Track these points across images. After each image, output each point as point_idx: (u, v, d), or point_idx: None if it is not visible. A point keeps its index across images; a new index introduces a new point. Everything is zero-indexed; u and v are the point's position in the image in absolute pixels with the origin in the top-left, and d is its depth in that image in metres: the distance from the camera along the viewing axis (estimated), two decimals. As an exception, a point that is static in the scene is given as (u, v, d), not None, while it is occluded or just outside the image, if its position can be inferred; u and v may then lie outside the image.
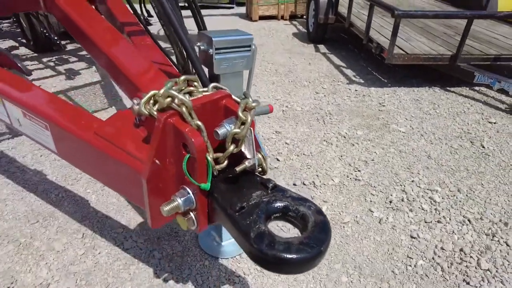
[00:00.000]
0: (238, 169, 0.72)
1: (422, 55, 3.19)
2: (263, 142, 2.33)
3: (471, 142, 2.38)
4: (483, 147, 2.32)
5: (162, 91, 0.70)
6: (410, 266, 1.41)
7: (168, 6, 0.88)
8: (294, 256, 0.58)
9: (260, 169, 0.76)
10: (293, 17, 6.68)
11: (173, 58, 1.44)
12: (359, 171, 2.01)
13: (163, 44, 1.69)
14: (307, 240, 0.60)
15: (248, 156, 0.73)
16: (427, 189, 1.87)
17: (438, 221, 1.65)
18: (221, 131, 0.70)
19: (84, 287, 1.31)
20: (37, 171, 2.04)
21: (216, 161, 0.72)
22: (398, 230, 1.59)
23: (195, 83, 0.78)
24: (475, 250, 1.48)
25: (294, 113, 2.77)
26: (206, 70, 1.06)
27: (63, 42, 4.61)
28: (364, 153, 2.20)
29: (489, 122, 2.67)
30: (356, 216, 1.67)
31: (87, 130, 0.83)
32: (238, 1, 8.05)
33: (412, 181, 1.94)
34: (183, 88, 0.75)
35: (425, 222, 1.64)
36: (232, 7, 7.95)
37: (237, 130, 0.69)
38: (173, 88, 0.72)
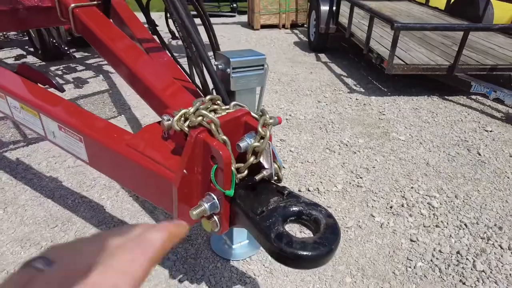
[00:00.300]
0: (257, 178, 0.81)
1: (420, 66, 3.30)
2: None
3: (468, 150, 2.48)
4: (479, 154, 2.42)
5: (192, 110, 0.80)
6: (410, 267, 1.49)
7: (193, 30, 0.98)
8: (309, 253, 0.67)
9: (276, 177, 0.86)
10: (294, 25, 6.82)
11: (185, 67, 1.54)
12: (361, 178, 2.10)
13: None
14: (320, 240, 0.70)
15: (266, 166, 0.83)
16: (426, 195, 1.97)
17: (436, 226, 1.74)
18: (243, 144, 0.80)
19: (104, 287, 1.39)
20: (52, 177, 2.14)
21: (238, 170, 0.81)
22: (399, 234, 1.68)
23: (218, 102, 0.88)
24: (471, 252, 1.57)
25: (297, 121, 2.88)
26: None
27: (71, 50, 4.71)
28: (365, 160, 2.30)
29: (485, 130, 2.77)
30: (359, 221, 1.76)
31: (119, 143, 0.92)
32: (240, 9, 8.20)
33: (412, 187, 2.04)
34: (209, 106, 0.85)
35: (424, 227, 1.73)
36: (234, 16, 8.10)
37: (257, 143, 0.79)
38: (202, 107, 0.82)
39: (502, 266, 1.50)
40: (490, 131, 2.76)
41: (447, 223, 1.76)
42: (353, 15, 4.10)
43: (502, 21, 5.84)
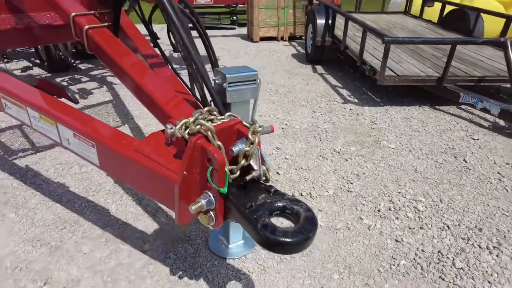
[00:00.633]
0: (248, 178, 0.94)
1: (411, 77, 3.45)
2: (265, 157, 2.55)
3: (454, 157, 2.61)
4: (466, 161, 2.54)
5: (192, 119, 0.93)
6: (394, 265, 1.61)
7: (192, 50, 1.12)
8: (290, 239, 0.80)
9: (264, 178, 0.98)
10: (292, 38, 7.02)
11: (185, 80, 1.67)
12: (351, 183, 2.23)
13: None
14: (299, 229, 0.82)
15: (255, 168, 0.96)
16: (412, 200, 2.09)
17: (421, 228, 1.85)
18: (235, 149, 0.93)
19: (110, 283, 1.51)
20: (60, 183, 2.26)
21: (231, 171, 0.94)
22: (385, 235, 1.80)
23: (215, 112, 1.02)
24: (452, 252, 1.68)
25: (293, 130, 3.01)
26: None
27: (76, 62, 4.88)
28: (356, 167, 2.42)
29: (473, 139, 2.90)
30: (348, 223, 1.88)
31: (128, 148, 1.05)
32: (240, 22, 8.42)
33: (399, 192, 2.16)
34: (206, 116, 0.98)
35: (409, 228, 1.85)
36: (234, 28, 8.31)
37: (247, 148, 0.92)
38: (200, 117, 0.95)
39: (479, 264, 1.61)
40: (477, 139, 2.88)
41: (431, 225, 1.87)
42: (347, 29, 4.27)
43: (492, 34, 6.03)
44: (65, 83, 4.44)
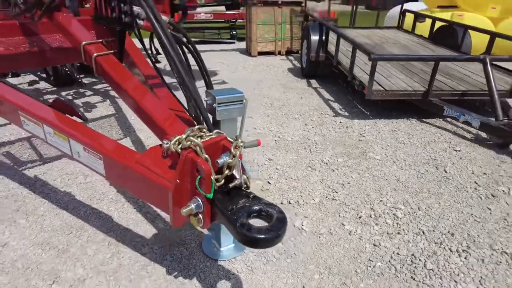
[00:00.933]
0: (231, 185, 1.12)
1: (398, 91, 3.65)
2: (258, 168, 2.73)
3: (436, 167, 2.78)
4: (446, 171, 2.71)
5: (184, 136, 1.11)
6: (370, 267, 1.76)
7: (186, 77, 1.31)
8: (263, 236, 0.97)
9: (245, 185, 1.16)
10: (289, 52, 7.27)
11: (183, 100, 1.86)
12: (336, 192, 2.40)
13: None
14: (271, 228, 1.00)
15: (237, 177, 1.13)
16: (392, 207, 2.25)
17: (398, 233, 2.02)
18: (220, 161, 1.11)
19: (112, 281, 1.67)
20: (66, 192, 2.44)
21: (216, 180, 1.12)
22: (364, 239, 1.96)
23: (204, 130, 1.20)
24: (424, 254, 1.84)
25: (285, 142, 3.19)
26: (211, 116, 1.48)
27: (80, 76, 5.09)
28: (342, 177, 2.59)
29: (455, 150, 3.07)
30: (331, 229, 2.04)
31: (130, 160, 1.23)
32: (239, 36, 8.70)
33: (381, 200, 2.32)
34: (197, 133, 1.16)
35: (387, 234, 2.01)
36: (233, 42, 8.59)
37: (230, 160, 1.10)
38: (191, 134, 1.13)
39: (448, 265, 1.76)
40: (459, 151, 3.06)
41: (408, 231, 2.03)
42: (339, 46, 4.49)
43: (480, 48, 6.26)
44: (70, 97, 4.66)
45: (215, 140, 1.14)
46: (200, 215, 1.13)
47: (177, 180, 1.10)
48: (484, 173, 2.68)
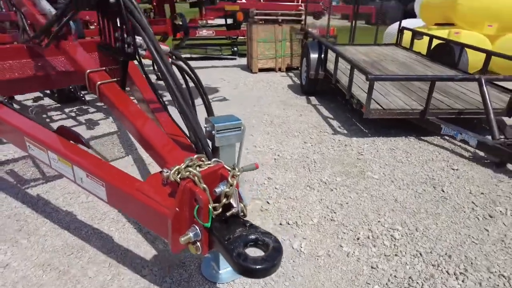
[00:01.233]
0: (228, 214, 1.16)
1: (396, 110, 3.70)
2: (257, 187, 2.76)
3: (433, 187, 2.80)
4: (443, 191, 2.73)
5: (183, 166, 1.16)
6: (368, 289, 1.78)
7: (185, 106, 1.37)
8: (259, 266, 1.00)
9: (242, 213, 1.20)
10: (289, 69, 7.37)
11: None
12: (334, 213, 2.42)
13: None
14: (267, 257, 1.03)
15: (234, 205, 1.17)
16: (390, 228, 2.27)
17: (396, 255, 2.03)
18: (217, 190, 1.15)
19: (112, 305, 1.69)
20: (68, 211, 2.47)
21: (214, 208, 1.15)
22: (362, 262, 1.98)
23: (203, 158, 1.25)
24: (421, 277, 1.86)
25: (284, 161, 3.23)
26: (210, 142, 1.53)
27: (82, 92, 5.17)
28: (340, 197, 2.62)
29: (452, 169, 3.10)
30: (329, 251, 2.06)
31: (131, 188, 1.28)
32: (240, 52, 8.84)
33: (379, 221, 2.34)
34: (195, 163, 1.21)
35: (385, 256, 2.03)
36: (235, 58, 8.72)
37: (227, 189, 1.14)
38: (190, 163, 1.18)
39: (445, 288, 1.78)
40: (456, 170, 3.09)
41: (405, 253, 2.05)
42: (338, 64, 4.57)
43: (477, 65, 6.35)
44: (73, 114, 4.73)
45: (213, 169, 1.19)
46: (198, 243, 1.16)
47: (177, 209, 1.14)
48: (482, 193, 2.70)
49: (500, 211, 2.46)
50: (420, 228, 2.27)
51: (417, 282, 1.82)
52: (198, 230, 1.14)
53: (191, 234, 1.13)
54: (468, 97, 4.14)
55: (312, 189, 2.73)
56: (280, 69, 7.29)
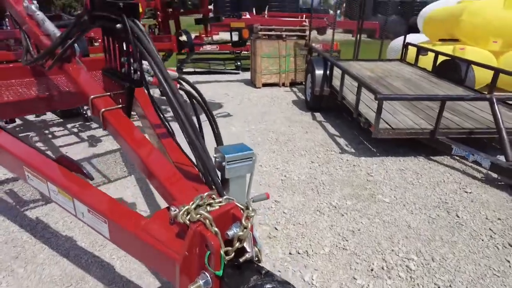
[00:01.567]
0: (241, 259, 1.06)
1: (405, 130, 3.62)
2: (265, 211, 2.66)
3: (447, 211, 2.70)
4: (458, 216, 2.63)
5: (193, 206, 1.07)
6: (386, 329, 1.66)
7: (194, 136, 1.29)
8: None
9: (256, 258, 1.10)
10: (293, 84, 7.34)
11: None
12: (346, 240, 2.31)
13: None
14: (285, 312, 0.93)
15: (248, 250, 1.08)
16: (405, 258, 2.16)
17: (413, 288, 1.92)
18: (230, 233, 1.06)
19: None
20: (68, 237, 2.37)
21: (226, 253, 1.06)
22: (377, 296, 1.87)
23: (213, 196, 1.16)
24: (442, 315, 1.74)
25: (291, 182, 3.14)
26: (219, 172, 1.44)
27: (85, 108, 5.12)
28: (352, 223, 2.52)
29: (465, 192, 3.00)
30: (342, 283, 1.95)
31: (136, 227, 1.18)
32: (244, 67, 8.84)
33: (392, 250, 2.23)
34: (206, 201, 1.12)
35: (402, 289, 1.92)
36: (238, 73, 8.72)
37: (241, 233, 1.05)
38: (200, 203, 1.09)
39: (469, 329, 1.66)
40: (470, 193, 2.98)
41: (422, 286, 1.94)
42: (344, 81, 4.52)
43: (483, 82, 6.31)
44: (75, 130, 4.68)
45: (225, 210, 1.10)
46: (208, 291, 1.06)
47: (186, 253, 1.05)
48: (499, 219, 2.59)
49: (520, 239, 2.35)
50: (436, 258, 2.16)
51: (438, 321, 1.70)
52: (209, 278, 1.04)
53: (201, 282, 1.04)
54: (477, 116, 4.06)
55: (322, 214, 2.63)
56: (284, 84, 7.26)
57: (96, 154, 3.80)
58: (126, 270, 2.05)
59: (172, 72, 1.54)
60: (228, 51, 8.93)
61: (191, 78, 8.07)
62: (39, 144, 4.17)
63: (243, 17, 6.87)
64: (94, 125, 4.79)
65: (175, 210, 1.12)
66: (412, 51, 6.82)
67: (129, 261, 2.12)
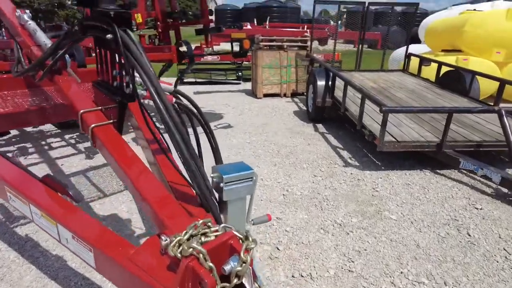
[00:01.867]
0: (240, 297, 0.94)
1: (411, 143, 3.50)
2: (266, 229, 2.53)
3: (458, 229, 2.56)
4: (469, 235, 2.49)
5: (185, 237, 0.95)
6: None
7: (188, 155, 1.18)
8: None
9: (257, 295, 0.98)
10: (294, 94, 7.26)
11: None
12: (352, 261, 2.18)
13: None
14: None
15: (247, 286, 0.96)
16: (415, 281, 2.02)
17: (425, 316, 1.78)
18: (227, 267, 0.94)
19: None
20: (58, 256, 2.24)
21: (223, 289, 0.94)
22: (388, 325, 1.73)
23: (209, 224, 1.04)
24: None
25: (294, 197, 3.01)
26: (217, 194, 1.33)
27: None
28: (357, 242, 2.39)
29: (475, 208, 2.87)
30: (349, 310, 1.81)
31: (123, 257, 1.07)
32: (245, 77, 8.79)
33: (401, 272, 2.10)
34: (200, 230, 1.00)
35: (413, 317, 1.78)
36: (239, 83, 8.66)
37: (239, 268, 0.93)
38: (194, 233, 0.97)
39: None
40: (480, 209, 2.85)
41: (436, 314, 1.80)
42: (346, 93, 4.43)
43: (488, 92, 6.22)
44: (73, 141, 4.58)
45: (222, 241, 0.98)
46: (202, 333, 0.94)
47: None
48: (512, 238, 2.46)
49: (536, 261, 2.22)
50: (449, 282, 2.02)
51: None
52: (203, 318, 0.92)
53: (194, 324, 0.91)
54: (484, 128, 3.95)
55: (327, 232, 2.50)
56: (285, 95, 7.18)
57: (92, 167, 3.69)
58: (117, 294, 1.91)
59: (167, 85, 1.44)
60: (230, 62, 8.90)
61: (193, 88, 8.02)
62: (34, 156, 4.08)
63: (244, 27, 6.82)
64: (91, 136, 4.69)
65: (166, 240, 1.00)
66: (414, 61, 6.76)
67: (121, 284, 1.98)
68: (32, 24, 1.93)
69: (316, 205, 2.87)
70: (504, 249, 2.34)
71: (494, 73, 6.21)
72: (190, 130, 1.63)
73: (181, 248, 0.95)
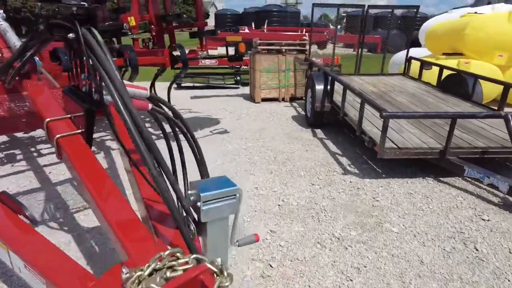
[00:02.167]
0: None
1: (413, 150, 3.34)
2: (258, 243, 2.37)
3: (464, 243, 2.40)
4: (477, 249, 2.33)
5: (147, 272, 0.80)
6: None
7: (155, 171, 1.03)
8: None
9: None
10: (293, 99, 7.12)
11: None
12: (351, 280, 2.02)
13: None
14: None
15: (221, 332, 0.80)
16: (420, 303, 1.86)
17: None
18: (196, 309, 0.78)
19: None
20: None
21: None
22: None
23: (178, 254, 0.89)
24: None
25: (289, 208, 2.85)
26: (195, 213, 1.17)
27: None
28: (357, 258, 2.22)
29: (482, 219, 2.70)
30: (347, 338, 1.65)
31: (81, 292, 0.91)
32: (243, 81, 8.65)
33: (405, 292, 1.93)
34: (166, 263, 0.85)
35: None
36: (238, 88, 8.52)
37: (210, 311, 0.77)
38: (157, 267, 0.82)
39: None
40: (487, 220, 2.69)
41: None
42: (346, 97, 4.28)
43: (491, 97, 6.06)
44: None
45: (190, 277, 0.82)
46: None
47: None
48: (523, 253, 2.29)
49: (550, 279, 2.05)
50: (457, 304, 1.86)
51: None
52: None
53: None
54: (488, 133, 3.79)
55: (323, 247, 2.33)
56: (283, 99, 7.04)
57: (81, 175, 3.53)
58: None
59: (142, 91, 1.29)
60: (228, 66, 8.76)
61: (190, 93, 7.88)
62: (22, 163, 3.93)
63: (242, 31, 6.70)
64: (82, 142, 4.54)
65: (127, 274, 0.85)
66: (415, 65, 6.62)
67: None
68: (3, 25, 1.79)
69: (313, 217, 2.71)
70: (515, 266, 2.17)
71: (496, 76, 6.06)
72: (182, 138, 1.48)
73: (140, 286, 0.80)
